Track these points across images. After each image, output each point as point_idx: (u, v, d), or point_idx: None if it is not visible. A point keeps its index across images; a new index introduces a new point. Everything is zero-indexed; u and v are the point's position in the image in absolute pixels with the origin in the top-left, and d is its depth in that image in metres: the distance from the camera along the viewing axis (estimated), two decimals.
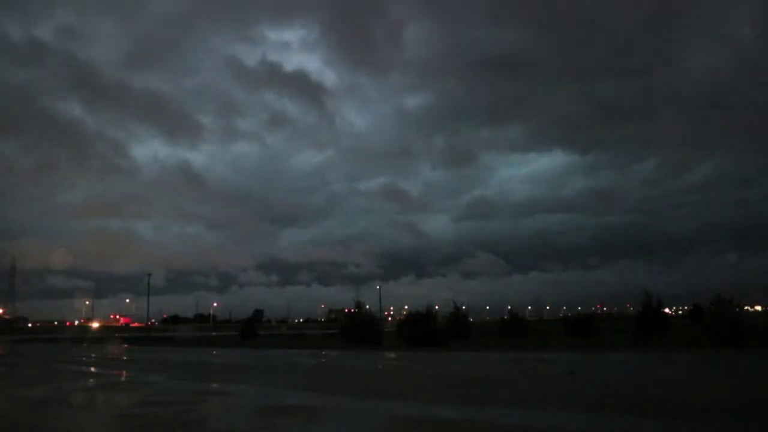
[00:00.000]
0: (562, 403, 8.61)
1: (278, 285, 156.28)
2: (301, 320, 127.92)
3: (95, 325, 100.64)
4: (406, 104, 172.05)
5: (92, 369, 18.42)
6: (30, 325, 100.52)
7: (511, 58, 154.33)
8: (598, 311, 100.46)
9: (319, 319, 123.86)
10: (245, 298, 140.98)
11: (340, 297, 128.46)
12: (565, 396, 9.35)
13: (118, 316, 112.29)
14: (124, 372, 17.82)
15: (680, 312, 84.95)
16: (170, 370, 17.55)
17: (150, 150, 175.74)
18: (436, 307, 31.46)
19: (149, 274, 65.50)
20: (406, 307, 57.78)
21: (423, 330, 28.09)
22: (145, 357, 26.19)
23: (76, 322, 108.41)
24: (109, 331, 74.73)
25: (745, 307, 32.54)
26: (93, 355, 26.93)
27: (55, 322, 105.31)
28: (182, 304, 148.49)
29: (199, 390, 11.47)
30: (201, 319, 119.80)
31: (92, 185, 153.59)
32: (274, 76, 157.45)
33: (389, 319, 65.57)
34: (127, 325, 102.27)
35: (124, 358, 26.57)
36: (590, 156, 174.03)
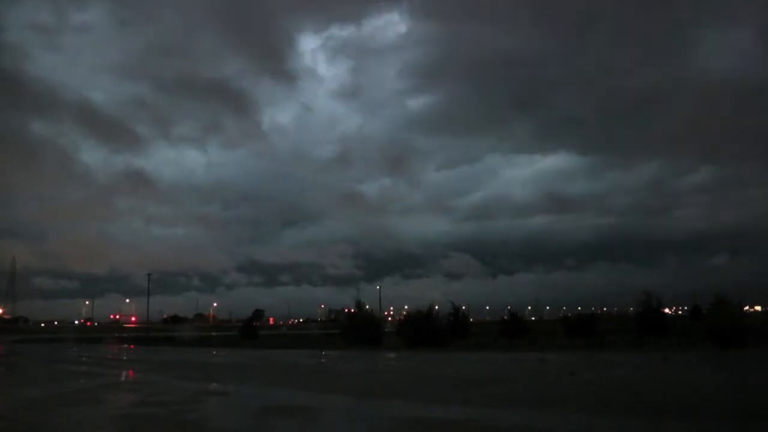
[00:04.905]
0: (563, 403, 8.60)
1: (272, 285, 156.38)
2: (301, 320, 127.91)
3: (95, 324, 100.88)
4: (409, 106, 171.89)
5: (92, 369, 18.41)
6: (43, 324, 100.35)
7: (513, 59, 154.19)
8: (598, 311, 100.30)
9: (319, 319, 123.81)
10: (245, 299, 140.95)
11: (340, 297, 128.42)
12: (565, 396, 9.34)
13: (118, 316, 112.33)
14: (123, 371, 17.83)
15: (680, 312, 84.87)
16: (170, 370, 17.55)
17: (114, 156, 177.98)
18: (436, 308, 31.42)
19: (149, 274, 65.31)
20: (406, 307, 57.72)
21: (423, 330, 28.03)
22: (144, 357, 26.20)
23: (76, 322, 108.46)
24: (108, 331, 74.71)
25: (745, 307, 32.50)
26: (93, 355, 26.92)
27: (56, 322, 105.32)
28: (176, 305, 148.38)
29: (199, 390, 11.46)
30: (201, 319, 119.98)
31: (59, 191, 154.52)
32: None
33: (389, 319, 65.46)
34: (121, 324, 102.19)
35: (124, 357, 26.58)
36: (593, 157, 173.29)
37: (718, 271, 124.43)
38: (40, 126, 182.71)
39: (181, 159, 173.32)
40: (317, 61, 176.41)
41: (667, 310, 42.42)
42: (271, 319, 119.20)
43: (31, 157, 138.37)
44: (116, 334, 65.83)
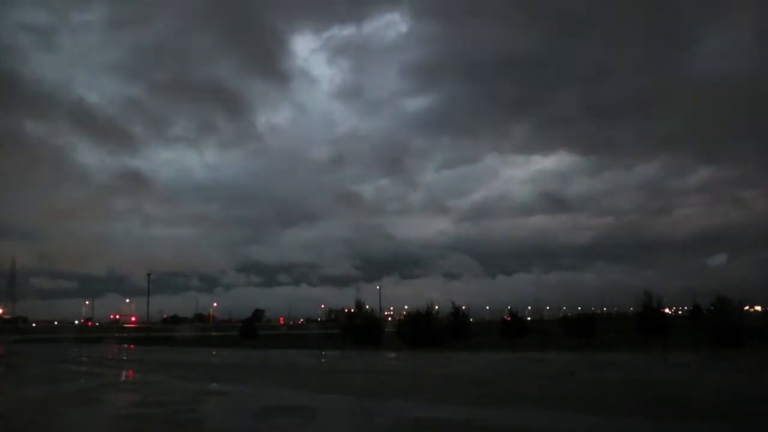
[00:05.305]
0: (562, 403, 8.61)
1: (272, 285, 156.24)
2: (301, 320, 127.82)
3: (95, 324, 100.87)
4: (409, 105, 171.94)
5: (92, 369, 18.43)
6: (34, 325, 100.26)
7: (514, 60, 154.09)
8: (598, 311, 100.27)
9: (319, 319, 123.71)
10: (245, 299, 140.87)
11: (340, 297, 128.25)
12: (565, 396, 9.34)
13: (118, 316, 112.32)
14: (124, 372, 17.84)
15: (680, 312, 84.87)
16: (170, 370, 17.55)
17: (110, 157, 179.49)
18: (436, 308, 31.39)
19: (149, 274, 65.30)
20: (406, 307, 57.68)
21: (423, 330, 28.02)
22: (145, 357, 26.21)
23: (76, 322, 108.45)
24: (108, 331, 74.70)
25: (745, 307, 32.47)
26: (93, 355, 26.93)
27: (56, 322, 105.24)
28: (176, 305, 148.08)
29: (199, 390, 11.47)
30: (201, 319, 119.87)
31: (58, 191, 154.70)
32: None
33: (389, 319, 65.39)
34: (121, 324, 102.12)
35: (124, 357, 26.58)
36: (592, 157, 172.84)
37: (718, 271, 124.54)
38: (36, 127, 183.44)
39: (177, 159, 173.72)
40: (317, 61, 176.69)
41: (667, 310, 42.35)
42: (281, 320, 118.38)
43: (29, 158, 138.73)
44: (116, 334, 65.78)
